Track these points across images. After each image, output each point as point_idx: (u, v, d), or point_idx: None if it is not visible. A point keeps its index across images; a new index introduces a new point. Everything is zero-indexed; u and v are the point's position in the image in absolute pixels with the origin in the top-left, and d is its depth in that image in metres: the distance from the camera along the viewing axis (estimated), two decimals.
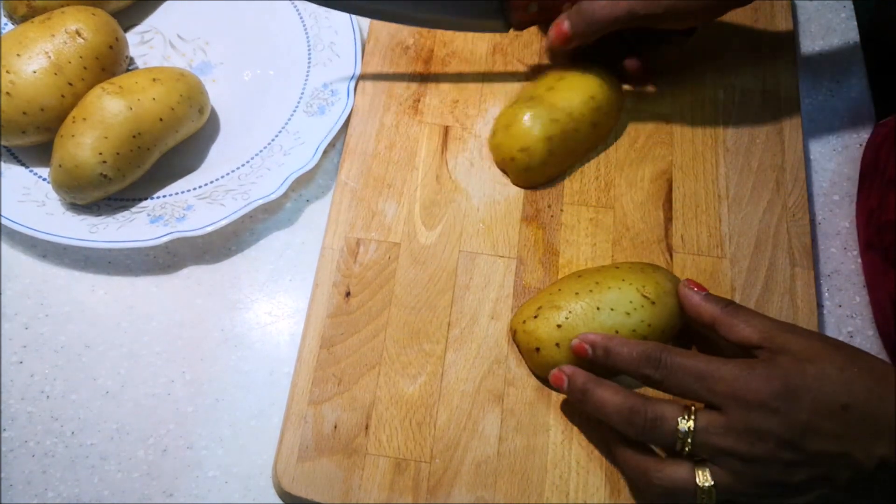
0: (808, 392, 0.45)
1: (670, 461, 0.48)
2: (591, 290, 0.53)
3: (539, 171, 0.61)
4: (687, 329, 0.55)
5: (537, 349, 0.53)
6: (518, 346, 0.55)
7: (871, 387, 0.45)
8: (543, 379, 0.55)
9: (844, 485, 0.45)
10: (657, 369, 0.48)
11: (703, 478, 0.46)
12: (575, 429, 0.54)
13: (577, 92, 0.61)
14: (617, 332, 0.52)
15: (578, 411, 0.54)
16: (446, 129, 0.64)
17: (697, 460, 0.47)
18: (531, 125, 0.60)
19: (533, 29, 0.68)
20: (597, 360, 0.50)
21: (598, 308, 0.53)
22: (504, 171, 0.62)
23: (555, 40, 0.59)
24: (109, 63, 0.62)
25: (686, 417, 0.47)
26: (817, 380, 0.45)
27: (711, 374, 0.47)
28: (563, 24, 0.59)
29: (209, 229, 0.59)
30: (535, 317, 0.54)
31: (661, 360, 0.48)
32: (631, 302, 0.53)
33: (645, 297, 0.53)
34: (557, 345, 0.53)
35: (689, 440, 0.46)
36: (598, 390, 0.49)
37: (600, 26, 0.58)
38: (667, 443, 0.47)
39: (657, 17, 0.57)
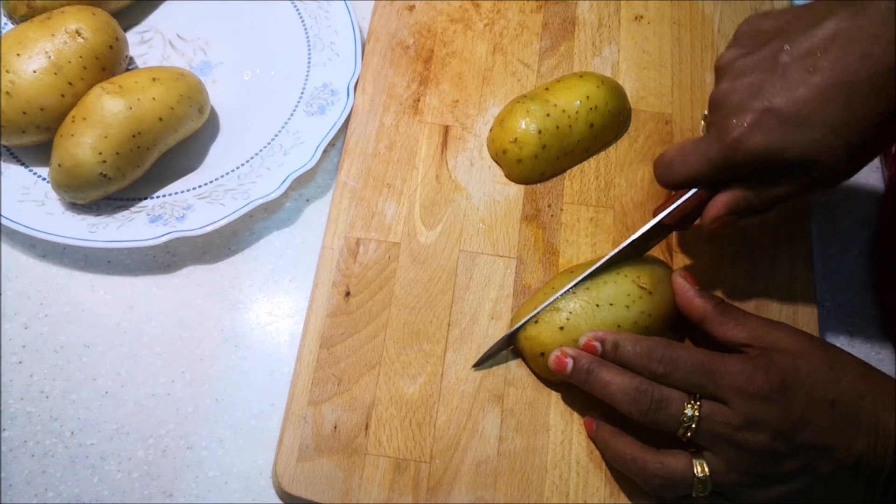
0: (802, 387, 0.47)
1: (668, 452, 0.49)
2: (587, 288, 0.53)
3: (531, 164, 0.61)
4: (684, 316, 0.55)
5: (542, 354, 0.53)
6: (521, 353, 0.55)
7: (855, 386, 0.47)
8: (544, 380, 0.55)
9: (825, 477, 0.47)
10: (661, 364, 0.48)
11: (701, 468, 0.48)
12: (575, 429, 0.54)
13: (572, 91, 0.61)
14: (619, 326, 0.52)
15: (579, 411, 0.54)
16: (446, 129, 0.64)
17: (693, 450, 0.48)
18: (524, 118, 0.60)
19: (533, 28, 0.68)
20: (606, 356, 0.51)
21: (597, 305, 0.53)
22: (499, 165, 0.62)
23: (718, 231, 0.53)
24: (109, 63, 0.62)
25: (692, 404, 0.47)
26: (810, 376, 0.47)
27: (717, 368, 0.48)
28: (729, 218, 0.51)
29: (209, 229, 0.59)
30: (536, 322, 0.54)
31: (664, 356, 0.49)
32: (629, 294, 0.53)
33: (642, 287, 0.53)
34: (562, 347, 0.52)
35: (693, 426, 0.47)
36: (603, 371, 0.50)
37: (779, 205, 0.51)
38: (669, 426, 0.48)
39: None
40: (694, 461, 0.48)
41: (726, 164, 0.50)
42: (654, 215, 0.55)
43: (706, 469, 0.48)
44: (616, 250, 0.54)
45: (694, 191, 0.53)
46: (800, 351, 0.48)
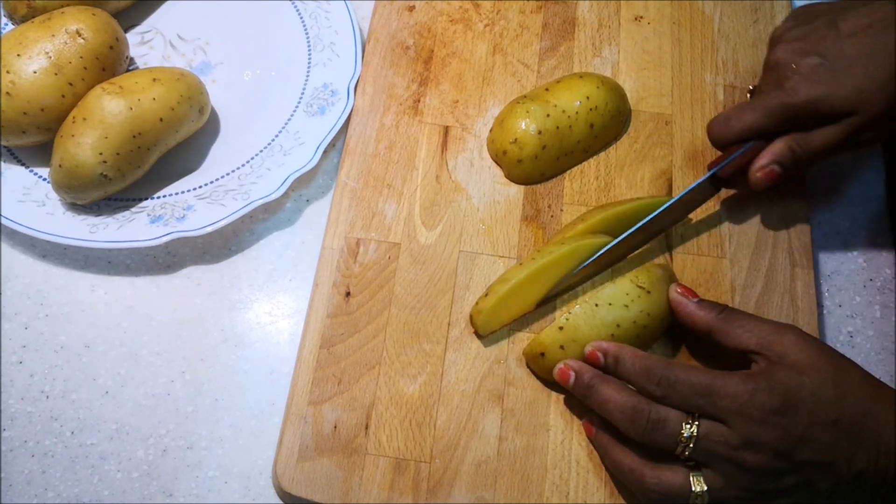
0: (805, 406, 0.46)
1: (666, 466, 0.48)
2: (586, 288, 0.53)
3: (531, 164, 0.61)
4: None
5: (542, 354, 0.53)
6: (521, 353, 0.55)
7: (860, 404, 0.47)
8: (544, 380, 0.55)
9: (824, 492, 0.47)
10: (659, 386, 0.48)
11: (698, 483, 0.47)
12: (575, 429, 0.54)
13: (572, 92, 0.61)
14: (618, 325, 0.52)
15: (578, 412, 0.54)
16: (446, 129, 0.64)
17: (691, 465, 0.48)
18: (524, 118, 0.60)
19: (533, 29, 0.68)
20: (607, 369, 0.51)
21: (596, 305, 0.53)
22: (499, 166, 0.62)
23: (762, 184, 0.57)
24: (110, 63, 0.62)
25: (690, 423, 0.47)
26: (813, 395, 0.47)
27: (716, 390, 0.47)
28: (774, 168, 0.56)
29: (209, 229, 0.59)
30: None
31: (663, 377, 0.48)
32: (627, 294, 0.53)
33: (640, 287, 0.53)
34: (562, 347, 0.52)
35: (691, 445, 0.47)
36: (604, 387, 0.50)
37: (818, 157, 0.57)
38: (667, 445, 0.48)
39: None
40: (692, 476, 0.48)
41: (783, 111, 0.55)
42: (709, 169, 0.58)
43: (703, 484, 0.47)
44: (672, 201, 0.57)
45: (751, 144, 0.57)
46: (806, 365, 0.47)
